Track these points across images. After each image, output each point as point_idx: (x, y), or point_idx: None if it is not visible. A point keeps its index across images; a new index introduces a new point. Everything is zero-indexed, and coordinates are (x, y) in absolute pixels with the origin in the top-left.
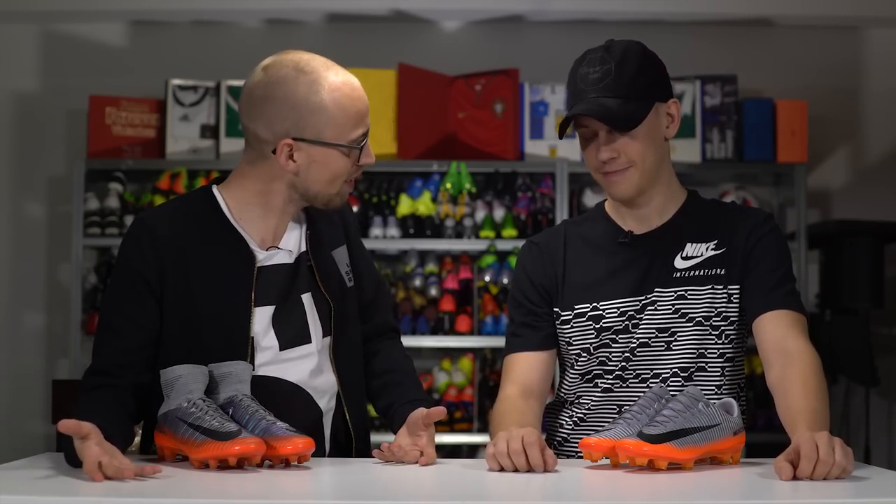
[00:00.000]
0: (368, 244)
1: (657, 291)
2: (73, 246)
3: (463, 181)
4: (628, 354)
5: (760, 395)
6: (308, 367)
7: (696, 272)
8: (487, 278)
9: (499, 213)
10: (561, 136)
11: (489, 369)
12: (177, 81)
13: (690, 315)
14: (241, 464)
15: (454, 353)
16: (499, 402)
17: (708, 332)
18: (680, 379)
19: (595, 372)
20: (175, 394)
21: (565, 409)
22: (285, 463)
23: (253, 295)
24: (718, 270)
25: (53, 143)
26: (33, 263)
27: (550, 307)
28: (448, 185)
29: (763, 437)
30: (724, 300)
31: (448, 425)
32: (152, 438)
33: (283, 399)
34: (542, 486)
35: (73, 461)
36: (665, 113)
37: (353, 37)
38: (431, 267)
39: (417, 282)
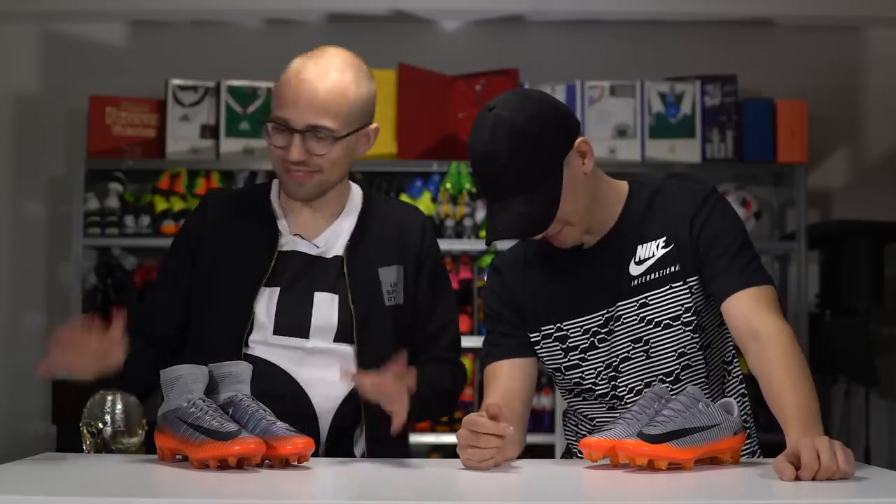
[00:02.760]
0: None
1: (619, 305)
2: (73, 246)
3: (463, 181)
4: (613, 373)
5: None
6: (307, 361)
7: (652, 275)
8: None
9: None
10: (488, 243)
11: None
12: (177, 81)
13: (657, 320)
14: (241, 464)
15: None
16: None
17: (681, 331)
18: (667, 384)
19: (576, 391)
20: (175, 394)
21: (574, 419)
22: (285, 463)
23: (268, 274)
24: (673, 268)
25: (53, 143)
26: (33, 263)
27: (523, 320)
28: (448, 185)
29: (763, 436)
30: (686, 295)
31: (448, 425)
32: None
33: (270, 383)
34: (542, 486)
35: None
36: (577, 155)
37: (353, 37)
38: None
39: None
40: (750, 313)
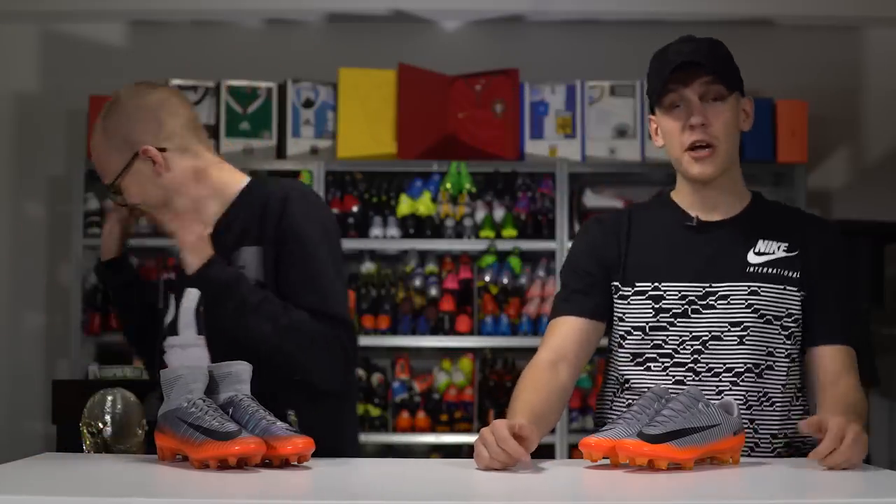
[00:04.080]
0: (368, 244)
1: (730, 284)
2: (73, 246)
3: (463, 181)
4: (699, 346)
5: None
6: (181, 358)
7: (770, 270)
8: (487, 278)
9: (499, 213)
10: (653, 105)
11: (489, 369)
12: (177, 81)
13: (762, 312)
14: (241, 464)
15: (454, 353)
16: (528, 367)
17: (778, 332)
18: (753, 375)
19: (647, 355)
20: (175, 394)
21: (623, 398)
22: (285, 463)
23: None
24: (792, 273)
25: (53, 143)
26: (33, 263)
27: (608, 280)
28: (448, 185)
29: None
30: (797, 303)
31: (448, 425)
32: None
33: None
34: (543, 485)
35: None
36: (742, 108)
37: (353, 37)
38: (431, 267)
39: (417, 282)
40: (839, 372)
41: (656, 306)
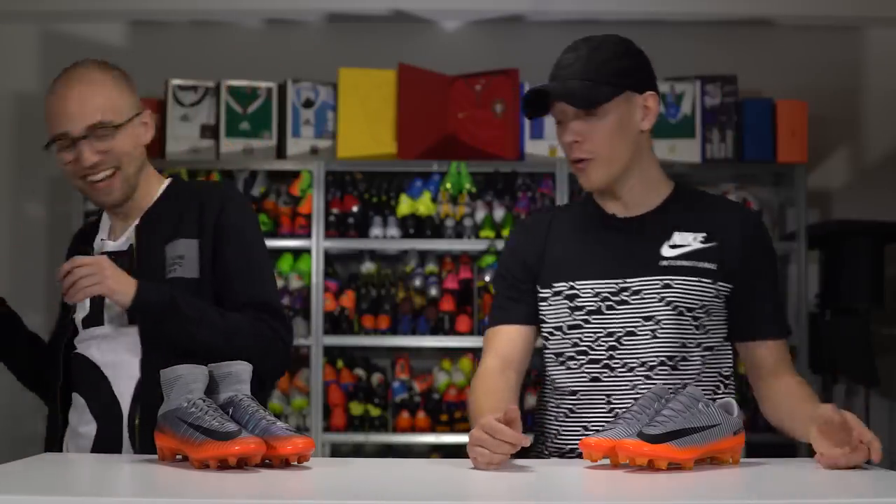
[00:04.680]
0: (368, 244)
1: (642, 280)
2: None
3: (463, 181)
4: (614, 343)
5: None
6: (106, 347)
7: (684, 262)
8: (487, 278)
9: (499, 213)
10: (527, 116)
11: None
12: (177, 81)
13: (676, 304)
14: (241, 464)
15: (454, 353)
16: (478, 375)
17: (690, 323)
18: (667, 368)
19: (568, 354)
20: (175, 394)
21: (552, 399)
22: (285, 463)
23: None
24: (708, 265)
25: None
26: (33, 263)
27: (534, 284)
28: (448, 185)
29: (763, 437)
30: (712, 294)
31: (448, 425)
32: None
33: (84, 376)
34: (543, 486)
35: None
36: (641, 105)
37: (353, 37)
38: (431, 267)
39: (417, 282)
40: (777, 364)
41: (572, 305)
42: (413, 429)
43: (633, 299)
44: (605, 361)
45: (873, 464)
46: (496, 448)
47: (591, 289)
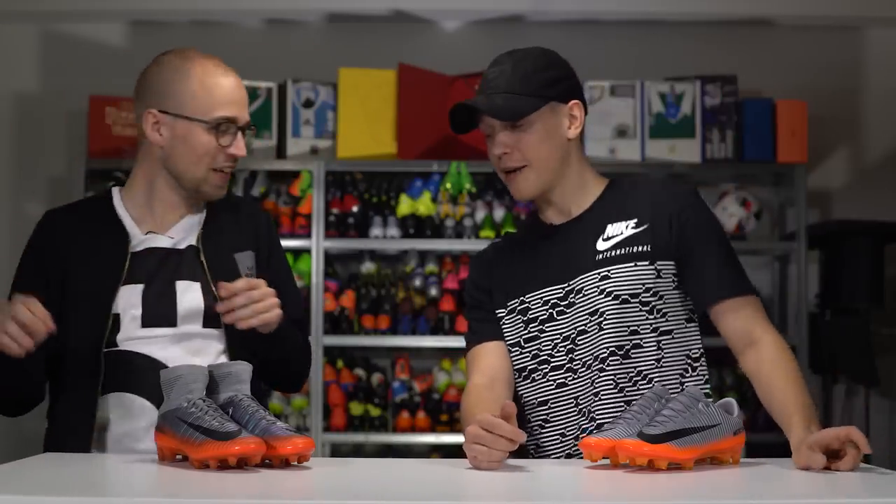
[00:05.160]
0: (368, 244)
1: (582, 278)
2: None
3: (463, 181)
4: (570, 345)
5: None
6: (179, 350)
7: (618, 251)
8: None
9: (499, 213)
10: (455, 131)
11: None
12: None
13: (616, 293)
14: (241, 464)
15: (454, 353)
16: (466, 393)
17: (637, 309)
18: (618, 357)
19: (530, 367)
20: (175, 394)
21: (525, 415)
22: (285, 463)
23: (123, 275)
24: (642, 248)
25: (53, 143)
26: None
27: (494, 303)
28: (448, 185)
29: (763, 437)
30: (653, 276)
31: (448, 425)
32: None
33: (145, 375)
34: (543, 486)
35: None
36: (567, 114)
37: (353, 37)
38: (431, 267)
39: (417, 282)
40: (746, 322)
41: (524, 318)
42: (413, 429)
43: (578, 299)
44: (567, 365)
45: (872, 464)
46: (494, 444)
47: (540, 298)
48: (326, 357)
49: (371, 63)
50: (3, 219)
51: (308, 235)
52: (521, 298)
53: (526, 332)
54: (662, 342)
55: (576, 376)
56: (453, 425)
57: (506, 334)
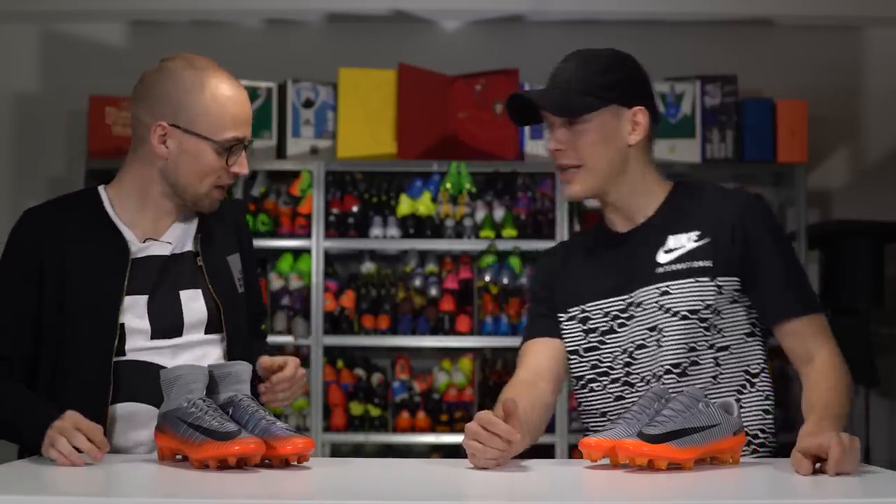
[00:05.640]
0: (368, 244)
1: (641, 290)
2: None
3: (463, 181)
4: (628, 359)
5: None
6: (185, 358)
7: (678, 266)
8: (487, 278)
9: (499, 213)
10: (516, 123)
11: (489, 369)
12: None
13: (675, 310)
14: (241, 464)
15: (454, 353)
16: (508, 385)
17: (696, 326)
18: (674, 376)
19: (588, 376)
20: (175, 394)
21: (587, 421)
22: (285, 463)
23: (125, 284)
24: (703, 262)
25: (53, 143)
26: None
27: (556, 304)
28: (448, 185)
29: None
30: (713, 293)
31: (448, 425)
32: None
33: (149, 382)
34: (543, 486)
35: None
36: (629, 119)
37: (353, 37)
38: (431, 267)
39: (417, 282)
40: (806, 342)
41: (584, 328)
42: (413, 429)
43: (638, 312)
44: (624, 379)
45: (872, 464)
46: (488, 441)
47: (601, 309)
48: (326, 357)
49: (371, 63)
50: (3, 219)
51: (308, 235)
52: (582, 307)
53: (586, 341)
54: (720, 358)
55: (633, 390)
56: (453, 425)
57: (565, 341)
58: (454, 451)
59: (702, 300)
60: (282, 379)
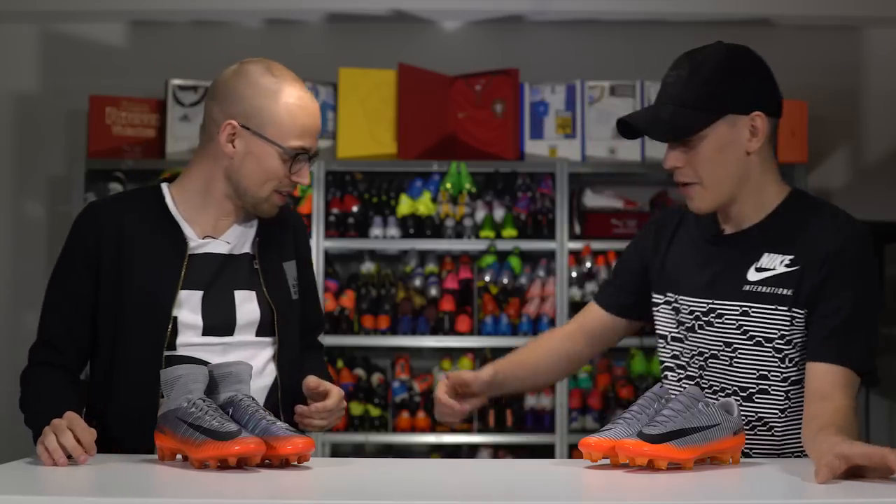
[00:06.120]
0: (368, 244)
1: (726, 302)
2: None
3: (463, 181)
4: (703, 363)
5: None
6: (234, 358)
7: (765, 288)
8: (487, 278)
9: (499, 213)
10: (625, 136)
11: None
12: (177, 81)
13: (752, 333)
14: (241, 464)
15: (454, 353)
16: (553, 328)
17: (771, 355)
18: (740, 399)
19: (668, 364)
20: (175, 394)
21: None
22: (285, 463)
23: (181, 279)
24: (786, 291)
25: (53, 143)
26: (33, 263)
27: (643, 285)
28: (448, 185)
29: None
30: (787, 323)
31: (448, 425)
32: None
33: None
34: (543, 486)
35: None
36: (748, 125)
37: (353, 37)
38: (431, 267)
39: (417, 282)
40: (829, 389)
41: (676, 318)
42: (413, 429)
43: (717, 322)
44: (697, 380)
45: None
46: (438, 414)
47: (688, 305)
48: (326, 357)
49: (371, 63)
50: (3, 219)
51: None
52: (677, 297)
53: (676, 330)
54: (791, 392)
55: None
56: (453, 425)
57: (657, 323)
58: (454, 451)
59: (777, 329)
60: (322, 409)
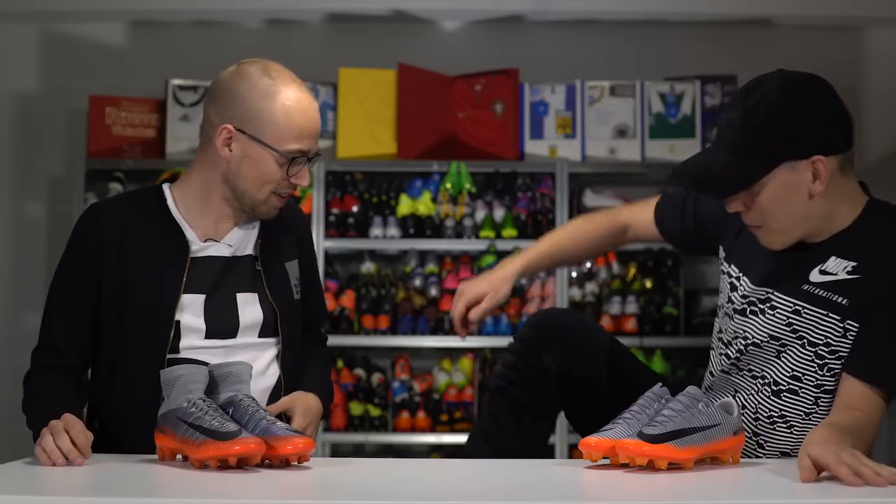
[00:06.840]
0: (368, 244)
1: (782, 296)
2: None
3: (463, 181)
4: (742, 347)
5: None
6: (233, 354)
7: (822, 292)
8: None
9: (499, 213)
10: (681, 184)
11: (489, 369)
12: (177, 81)
13: (801, 333)
14: (242, 464)
15: (454, 353)
16: (610, 209)
17: (811, 359)
18: (769, 392)
19: (716, 335)
20: (175, 394)
21: (712, 359)
22: (285, 463)
23: (183, 282)
24: (841, 299)
25: (53, 143)
26: (33, 263)
27: (706, 236)
28: (448, 185)
29: None
30: (838, 334)
31: (448, 425)
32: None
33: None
34: (543, 486)
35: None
36: (808, 169)
37: (353, 37)
38: (431, 267)
39: (417, 282)
40: (856, 401)
41: (731, 294)
42: (413, 429)
43: (769, 313)
44: (734, 361)
45: None
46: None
47: (747, 288)
48: None
49: (371, 63)
50: (3, 219)
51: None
52: (739, 275)
53: (729, 305)
54: (821, 400)
55: (739, 374)
56: (453, 425)
57: (721, 292)
58: (454, 451)
59: (824, 336)
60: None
